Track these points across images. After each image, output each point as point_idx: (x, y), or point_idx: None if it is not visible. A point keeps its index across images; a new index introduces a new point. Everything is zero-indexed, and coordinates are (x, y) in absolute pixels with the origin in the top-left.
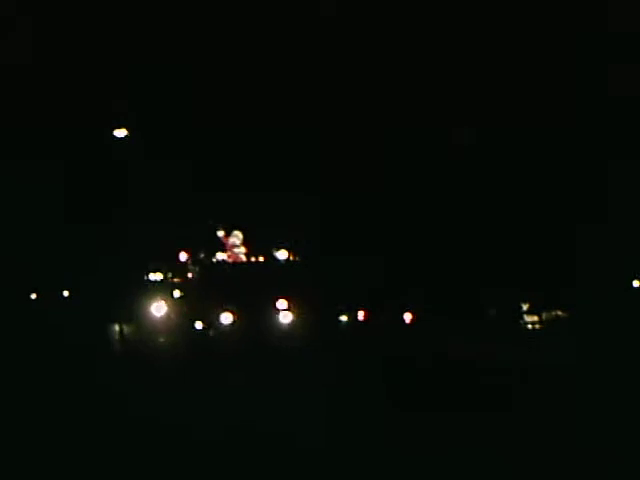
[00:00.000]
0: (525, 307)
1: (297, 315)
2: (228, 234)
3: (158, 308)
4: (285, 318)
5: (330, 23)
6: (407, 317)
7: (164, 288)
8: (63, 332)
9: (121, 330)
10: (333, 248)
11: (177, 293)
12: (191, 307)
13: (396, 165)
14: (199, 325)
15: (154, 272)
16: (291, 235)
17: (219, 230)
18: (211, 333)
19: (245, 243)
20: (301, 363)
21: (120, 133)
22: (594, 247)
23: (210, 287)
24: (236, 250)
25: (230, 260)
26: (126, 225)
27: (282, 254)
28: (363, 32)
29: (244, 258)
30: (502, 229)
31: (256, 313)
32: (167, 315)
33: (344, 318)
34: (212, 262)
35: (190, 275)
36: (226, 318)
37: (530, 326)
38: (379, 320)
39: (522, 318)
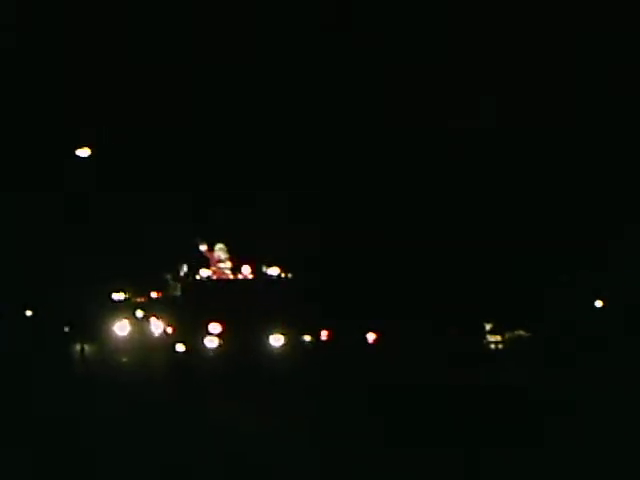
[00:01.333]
0: (488, 327)
1: (291, 338)
2: (211, 248)
3: (121, 328)
4: (277, 341)
5: (330, 26)
6: (370, 337)
7: (127, 308)
8: (24, 352)
9: (82, 350)
10: (331, 263)
11: (139, 313)
12: (173, 328)
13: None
14: (180, 347)
15: (117, 291)
16: (283, 249)
17: (201, 244)
18: (192, 358)
19: (231, 258)
20: (296, 398)
21: (83, 153)
22: (557, 267)
23: (193, 306)
24: (221, 265)
25: (215, 277)
26: (91, 243)
27: (273, 270)
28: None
29: (230, 274)
30: (465, 249)
31: (244, 335)
32: (131, 335)
33: (307, 338)
34: (195, 279)
35: (172, 293)
36: (211, 341)
37: (493, 346)
38: (342, 340)
39: (485, 338)
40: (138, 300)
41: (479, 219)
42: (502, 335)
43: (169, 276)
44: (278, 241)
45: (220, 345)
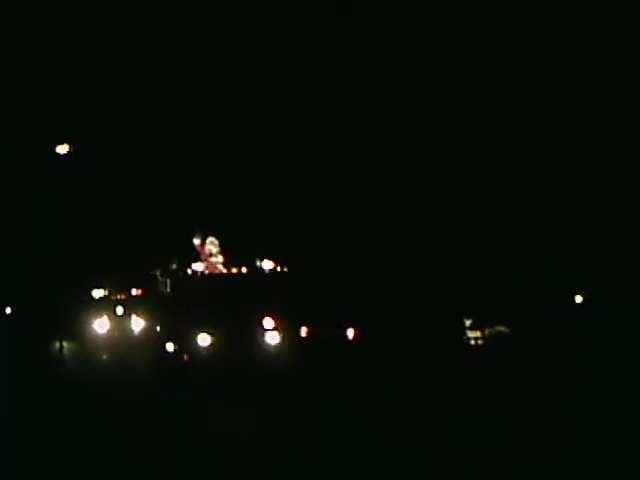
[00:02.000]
0: (468, 323)
1: (287, 335)
2: (203, 242)
3: (101, 325)
4: (273, 339)
5: (330, 23)
6: (350, 333)
7: (107, 305)
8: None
9: (61, 347)
10: (330, 257)
11: (120, 310)
12: (161, 326)
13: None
14: (170, 347)
15: (97, 288)
16: (277, 242)
17: (195, 237)
18: (184, 358)
19: (222, 252)
20: (295, 400)
21: (62, 149)
22: (537, 263)
23: (184, 302)
24: (213, 260)
25: (207, 271)
26: (72, 240)
27: (267, 264)
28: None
29: (222, 268)
30: (446, 245)
31: (239, 333)
32: (112, 332)
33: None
34: (186, 273)
35: (161, 289)
36: (203, 339)
37: (473, 341)
38: (322, 336)
39: (465, 333)
40: (118, 297)
41: (460, 217)
42: (482, 331)
43: (158, 272)
44: (273, 233)
45: (213, 343)
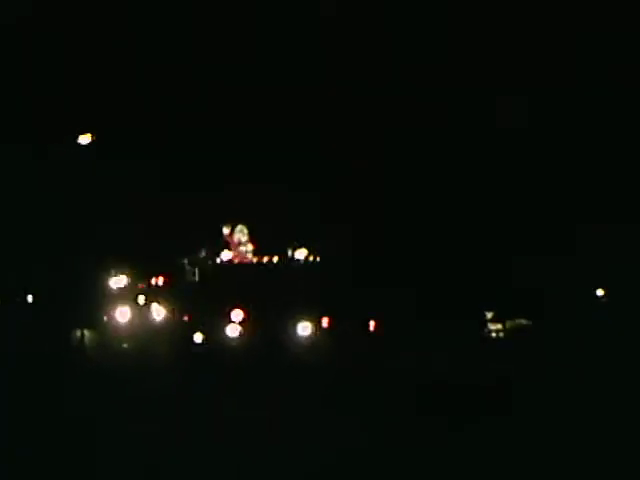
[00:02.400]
0: (489, 315)
1: (320, 327)
2: (232, 230)
3: (122, 314)
4: (305, 330)
5: (330, 23)
6: (370, 325)
7: (129, 294)
8: (26, 338)
9: (82, 336)
10: (363, 245)
11: (141, 299)
12: (189, 316)
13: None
14: (199, 338)
15: (118, 277)
16: (310, 231)
17: (224, 226)
18: (210, 348)
19: (252, 240)
20: (327, 391)
21: (84, 140)
22: (558, 255)
23: (213, 292)
24: (242, 248)
25: (236, 260)
26: (94, 229)
27: (300, 253)
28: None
29: (251, 257)
30: (467, 236)
31: (269, 324)
32: (133, 321)
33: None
34: (214, 262)
35: (188, 278)
36: (233, 330)
37: (494, 334)
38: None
39: (486, 326)
40: (140, 286)
41: (481, 208)
42: (503, 324)
43: (185, 261)
44: (305, 221)
45: (243, 334)
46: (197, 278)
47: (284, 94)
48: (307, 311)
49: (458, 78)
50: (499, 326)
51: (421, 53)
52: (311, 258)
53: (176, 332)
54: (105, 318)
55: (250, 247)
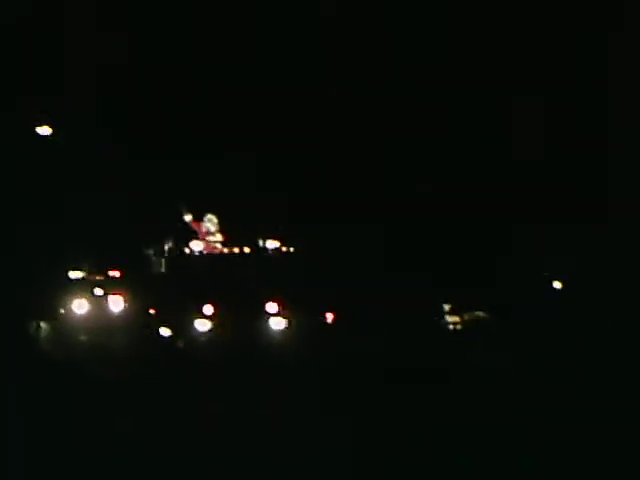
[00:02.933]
0: (447, 308)
1: (292, 321)
2: (199, 219)
3: (80, 306)
4: (277, 325)
5: (330, 23)
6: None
7: (85, 286)
8: None
9: (37, 327)
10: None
11: (99, 291)
12: (155, 310)
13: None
14: (165, 332)
15: (74, 270)
16: (282, 220)
17: (186, 214)
18: (180, 344)
19: (221, 230)
20: (302, 387)
21: (44, 131)
22: (515, 248)
23: (180, 285)
24: (211, 239)
25: (205, 251)
26: (51, 218)
27: (272, 244)
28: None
29: (221, 248)
30: (424, 229)
31: (240, 318)
32: (92, 313)
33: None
34: (182, 253)
35: (154, 269)
36: (202, 324)
37: (451, 327)
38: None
39: (444, 319)
40: (98, 278)
41: (438, 199)
42: (461, 316)
43: (151, 251)
44: (277, 210)
45: (212, 329)
46: (163, 269)
47: (284, 94)
48: (280, 304)
49: (458, 78)
50: (457, 318)
51: (421, 53)
52: (284, 249)
53: (140, 325)
54: (62, 310)
55: (219, 237)
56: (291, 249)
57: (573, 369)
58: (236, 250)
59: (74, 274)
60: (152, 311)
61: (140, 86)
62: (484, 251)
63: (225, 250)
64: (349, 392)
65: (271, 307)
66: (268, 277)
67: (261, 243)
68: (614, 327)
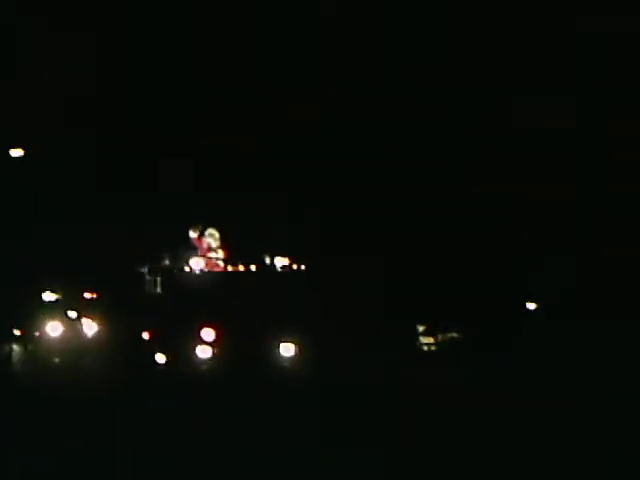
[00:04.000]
0: (421, 329)
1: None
2: (201, 234)
3: (54, 328)
4: (287, 351)
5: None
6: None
7: (60, 308)
8: None
9: (10, 351)
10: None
11: (73, 314)
12: (149, 333)
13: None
14: (161, 358)
15: (48, 291)
16: (291, 235)
17: (194, 230)
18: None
19: (223, 246)
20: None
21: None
22: (487, 269)
23: (178, 305)
24: (212, 255)
25: (206, 269)
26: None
27: (280, 261)
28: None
29: (222, 265)
30: (399, 250)
31: (246, 344)
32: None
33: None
34: (182, 271)
35: (149, 290)
36: (203, 351)
37: (426, 347)
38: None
39: (418, 339)
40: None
41: (412, 221)
42: (435, 337)
43: (145, 269)
44: (284, 225)
45: (214, 356)
46: (159, 289)
47: (283, 94)
48: (290, 328)
49: (458, 78)
50: (431, 339)
51: (421, 53)
52: (295, 267)
53: (126, 350)
54: (36, 332)
55: (221, 254)
56: (302, 267)
57: (548, 388)
58: (241, 268)
59: (48, 296)
60: (146, 335)
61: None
62: (460, 272)
63: (229, 268)
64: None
65: (282, 331)
66: (277, 298)
67: (268, 260)
68: (587, 346)
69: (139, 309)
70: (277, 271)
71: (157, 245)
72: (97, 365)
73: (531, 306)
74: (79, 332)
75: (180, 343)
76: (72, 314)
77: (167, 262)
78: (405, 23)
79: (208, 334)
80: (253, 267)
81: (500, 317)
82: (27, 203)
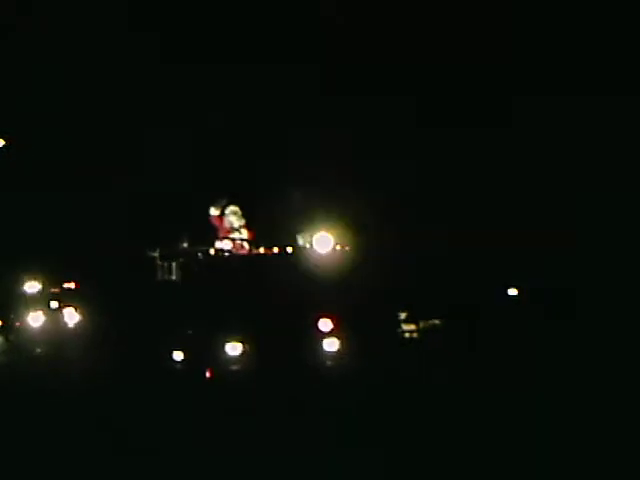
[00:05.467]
0: (403, 316)
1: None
2: (222, 212)
3: (35, 319)
4: (331, 346)
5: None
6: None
7: (42, 299)
8: None
9: None
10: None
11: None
12: (164, 328)
13: None
14: (178, 356)
15: (29, 282)
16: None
17: (215, 208)
18: (207, 373)
19: (247, 225)
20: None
21: None
22: (468, 255)
23: (199, 295)
24: (236, 235)
25: (233, 250)
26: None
27: (322, 241)
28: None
29: (247, 248)
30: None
31: (281, 340)
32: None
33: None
34: (206, 255)
35: (160, 276)
36: (232, 348)
37: (407, 335)
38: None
39: (400, 327)
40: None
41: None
42: (417, 324)
43: (155, 253)
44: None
45: (245, 352)
46: (175, 276)
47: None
48: (332, 319)
49: (459, 78)
50: (413, 326)
51: (422, 53)
52: (338, 247)
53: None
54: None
55: (245, 234)
56: (346, 248)
57: (528, 376)
58: (275, 250)
59: (30, 286)
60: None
61: None
62: (440, 258)
63: (259, 250)
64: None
65: (324, 324)
66: (318, 284)
67: (301, 241)
68: (569, 334)
69: (149, 299)
70: (319, 254)
71: (169, 226)
72: (95, 358)
73: (512, 292)
74: (60, 323)
75: (203, 339)
76: (54, 304)
77: (185, 244)
78: (405, 23)
79: (237, 327)
80: (290, 249)
81: (481, 303)
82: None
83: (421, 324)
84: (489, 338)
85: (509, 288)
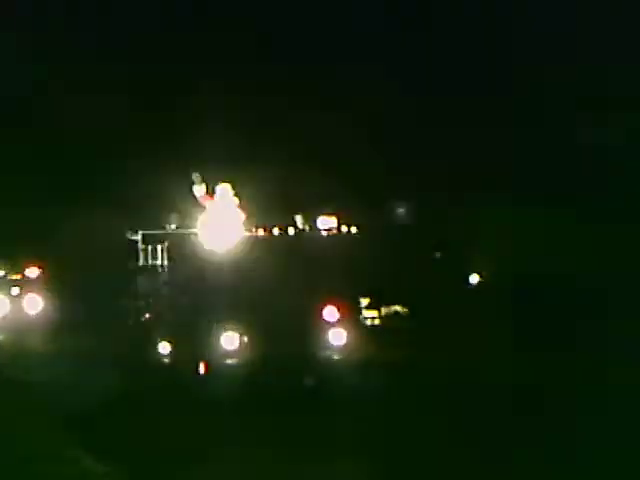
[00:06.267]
0: (365, 302)
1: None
2: (210, 191)
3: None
4: (337, 338)
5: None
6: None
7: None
8: None
9: None
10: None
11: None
12: (151, 318)
13: None
14: (164, 348)
15: None
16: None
17: (199, 185)
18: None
19: (240, 205)
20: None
21: None
22: (430, 243)
23: (191, 282)
24: (229, 215)
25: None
26: None
27: (326, 221)
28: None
29: (244, 229)
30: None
31: (283, 331)
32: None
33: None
34: (193, 236)
35: (143, 261)
36: (229, 340)
37: (369, 321)
38: None
39: (361, 313)
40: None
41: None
42: (379, 310)
43: (137, 236)
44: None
45: (243, 347)
46: (160, 260)
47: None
48: (338, 307)
49: (461, 78)
50: (375, 313)
51: (423, 52)
52: (343, 229)
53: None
54: None
55: (241, 214)
56: (353, 229)
57: (491, 364)
58: (275, 231)
59: None
60: (147, 316)
61: None
62: (399, 246)
63: (257, 232)
64: None
65: (330, 313)
66: (322, 269)
67: (300, 222)
68: (532, 321)
69: (136, 287)
70: (321, 235)
71: (152, 205)
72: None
73: (475, 278)
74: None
75: (194, 330)
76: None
77: (173, 226)
78: (406, 22)
79: (233, 317)
80: (292, 230)
81: (443, 290)
82: None
83: (383, 310)
84: (452, 323)
85: (471, 275)
